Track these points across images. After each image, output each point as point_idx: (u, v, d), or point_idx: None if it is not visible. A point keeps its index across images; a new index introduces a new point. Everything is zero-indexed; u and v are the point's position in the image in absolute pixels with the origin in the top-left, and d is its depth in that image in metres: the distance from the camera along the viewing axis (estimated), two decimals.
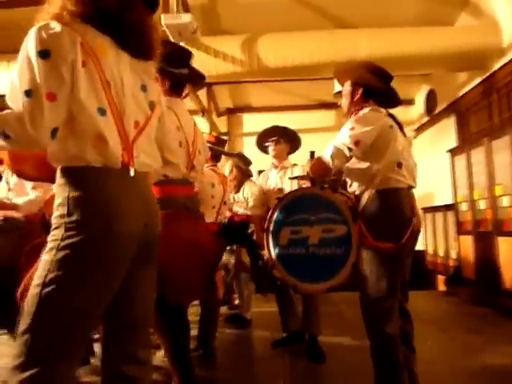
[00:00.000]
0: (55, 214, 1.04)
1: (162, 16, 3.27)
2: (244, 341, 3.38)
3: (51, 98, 1.00)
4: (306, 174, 1.96)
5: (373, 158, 1.79)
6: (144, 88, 1.23)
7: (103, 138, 1.06)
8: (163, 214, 1.62)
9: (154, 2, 1.28)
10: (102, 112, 1.07)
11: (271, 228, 1.88)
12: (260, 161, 6.23)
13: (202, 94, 6.10)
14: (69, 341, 1.01)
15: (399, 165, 1.82)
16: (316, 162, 1.84)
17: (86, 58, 1.05)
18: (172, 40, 3.51)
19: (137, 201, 1.13)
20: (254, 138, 3.48)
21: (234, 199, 3.83)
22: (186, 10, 3.84)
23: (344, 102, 1.99)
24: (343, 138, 1.77)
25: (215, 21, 5.05)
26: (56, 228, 1.03)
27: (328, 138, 1.92)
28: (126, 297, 1.14)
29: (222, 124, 7.23)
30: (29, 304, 1.00)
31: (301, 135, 3.35)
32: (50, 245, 1.03)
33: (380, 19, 4.77)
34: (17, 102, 0.99)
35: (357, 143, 1.74)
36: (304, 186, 2.41)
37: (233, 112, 7.32)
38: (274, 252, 1.89)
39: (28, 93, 0.98)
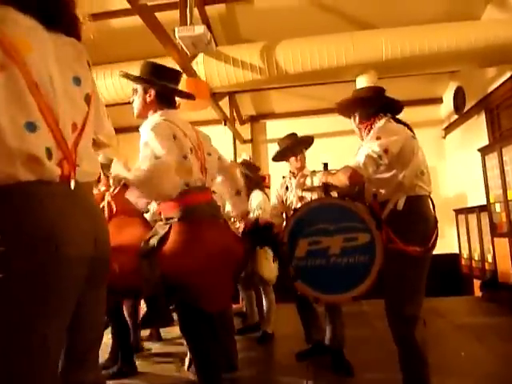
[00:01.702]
0: None
1: (176, 29, 3.32)
2: (266, 352, 3.33)
3: None
4: (320, 185, 1.98)
5: (399, 166, 1.87)
6: (77, 80, 1.05)
7: (36, 158, 0.89)
8: (189, 222, 1.72)
9: None
10: (32, 127, 0.90)
11: (288, 239, 1.88)
12: (285, 166, 6.24)
13: (225, 102, 6.15)
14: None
15: (422, 173, 1.90)
16: (352, 172, 1.84)
17: (5, 59, 0.87)
18: (188, 52, 3.56)
19: (83, 216, 0.98)
20: (277, 145, 3.43)
21: None
22: (206, 21, 3.89)
23: (356, 127, 2.12)
24: (374, 147, 1.82)
25: (234, 30, 5.09)
26: None
27: (348, 141, 1.97)
28: (77, 321, 1.01)
29: (245, 132, 7.25)
30: None
31: (322, 139, 3.30)
32: None
33: (401, 18, 4.66)
34: None
35: (386, 151, 1.80)
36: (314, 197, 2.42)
37: (256, 119, 7.33)
38: (291, 264, 1.88)
39: None
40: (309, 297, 1.92)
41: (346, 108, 2.11)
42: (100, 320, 1.13)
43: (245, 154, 7.08)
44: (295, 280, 1.86)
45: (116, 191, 1.81)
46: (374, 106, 2.00)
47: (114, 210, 1.98)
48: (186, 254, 1.67)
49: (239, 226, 3.90)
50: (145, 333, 3.66)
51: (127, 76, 1.91)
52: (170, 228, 1.71)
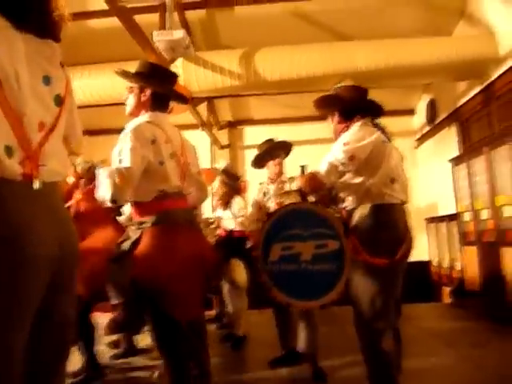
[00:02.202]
0: None
1: (154, 33, 3.31)
2: (240, 359, 3.32)
3: None
4: (297, 188, 1.96)
5: (367, 172, 1.80)
6: (47, 80, 1.03)
7: None
8: (162, 227, 1.69)
9: None
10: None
11: (261, 244, 1.85)
12: (262, 173, 6.26)
13: (203, 107, 6.14)
14: None
15: (392, 180, 1.83)
16: (310, 177, 1.83)
17: None
18: (166, 56, 3.55)
19: (48, 218, 0.96)
20: (255, 151, 3.46)
21: (219, 216, 3.85)
22: (186, 26, 3.88)
23: (332, 132, 2.08)
24: (338, 153, 1.77)
25: (214, 35, 5.10)
26: None
27: (327, 149, 1.94)
28: (42, 326, 0.98)
29: (223, 137, 7.25)
30: None
31: (300, 147, 3.33)
32: None
33: (377, 31, 4.80)
34: None
35: (351, 158, 1.75)
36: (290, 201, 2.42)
37: (234, 125, 7.35)
38: (264, 268, 1.85)
39: None
40: (281, 302, 1.88)
41: (325, 105, 2.05)
42: (68, 325, 1.09)
43: (223, 160, 7.11)
44: (268, 285, 1.84)
45: (86, 189, 1.77)
46: (354, 106, 1.94)
47: (83, 209, 1.93)
48: (158, 260, 1.64)
49: (218, 233, 3.93)
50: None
51: (125, 73, 1.87)
52: (142, 232, 1.68)
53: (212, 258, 1.92)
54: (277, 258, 1.81)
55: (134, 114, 1.88)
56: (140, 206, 1.76)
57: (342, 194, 1.93)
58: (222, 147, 7.19)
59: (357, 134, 1.84)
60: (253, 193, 5.37)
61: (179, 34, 3.16)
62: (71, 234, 1.06)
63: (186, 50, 3.26)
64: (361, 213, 1.81)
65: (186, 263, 1.72)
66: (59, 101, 1.06)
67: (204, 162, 7.22)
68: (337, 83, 4.53)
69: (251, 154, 6.92)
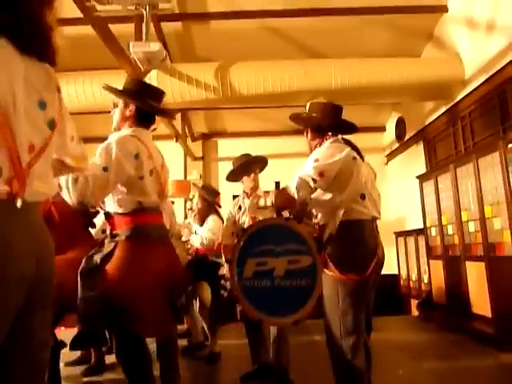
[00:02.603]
0: None
1: (131, 44, 3.30)
2: (211, 375, 3.27)
3: None
4: (271, 204, 1.97)
5: (336, 189, 1.82)
6: (42, 105, 1.07)
7: None
8: (136, 242, 1.69)
9: None
10: None
11: (236, 259, 1.84)
12: (235, 185, 6.23)
13: (177, 119, 6.11)
14: None
15: (362, 196, 1.86)
16: (281, 193, 1.85)
17: None
18: (141, 67, 3.53)
19: (27, 235, 0.99)
20: (228, 163, 3.47)
21: (194, 231, 3.85)
22: (161, 38, 3.88)
23: (307, 143, 2.11)
24: (308, 169, 1.79)
25: (189, 48, 5.12)
26: None
27: (301, 163, 1.98)
28: (18, 343, 0.99)
29: (196, 149, 7.23)
30: None
31: (274, 160, 3.36)
32: None
33: (350, 50, 4.96)
34: None
35: (321, 174, 1.77)
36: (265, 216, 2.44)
37: (208, 137, 7.35)
38: (238, 284, 1.84)
39: None
40: (253, 318, 1.86)
41: (299, 122, 2.11)
42: (43, 343, 1.07)
43: (196, 172, 7.08)
44: (241, 301, 1.82)
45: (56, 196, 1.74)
46: (326, 123, 1.97)
47: (56, 218, 1.89)
48: (128, 275, 1.63)
49: (189, 247, 3.92)
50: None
51: (110, 89, 1.89)
52: (115, 246, 1.66)
53: (179, 276, 1.93)
54: (251, 273, 1.80)
55: (119, 128, 1.91)
56: (116, 218, 1.76)
57: (313, 210, 1.95)
58: (196, 159, 7.16)
59: (327, 150, 1.87)
60: (226, 205, 5.37)
61: (156, 46, 3.16)
62: (48, 253, 1.07)
63: (162, 62, 3.26)
64: (331, 229, 1.82)
65: (155, 280, 1.72)
66: (52, 125, 1.09)
67: (177, 174, 7.19)
68: (310, 99, 4.69)
69: (224, 166, 6.97)
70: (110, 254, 1.65)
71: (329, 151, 1.85)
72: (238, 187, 3.65)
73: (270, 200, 3.00)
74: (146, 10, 3.20)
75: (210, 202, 3.83)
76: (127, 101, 1.87)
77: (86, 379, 3.09)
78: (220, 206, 4.04)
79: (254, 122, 6.88)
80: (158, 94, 2.00)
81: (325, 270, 1.80)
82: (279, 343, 2.64)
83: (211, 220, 3.75)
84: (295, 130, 7.58)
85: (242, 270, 1.80)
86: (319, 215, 1.92)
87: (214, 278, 3.57)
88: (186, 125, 6.50)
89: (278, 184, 1.93)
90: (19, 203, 0.96)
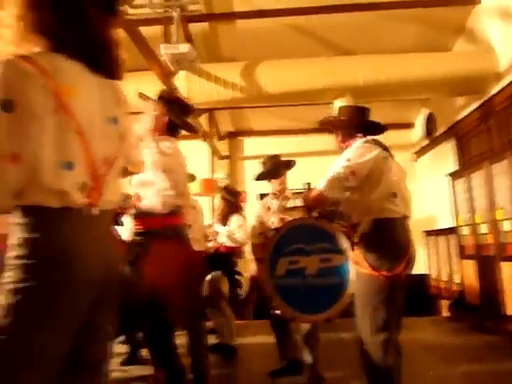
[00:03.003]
0: (11, 253, 0.96)
1: (162, 46, 3.36)
2: (236, 372, 3.30)
3: (15, 159, 0.91)
4: (302, 204, 2.01)
5: (368, 188, 1.85)
6: (114, 120, 1.14)
7: (67, 194, 0.98)
8: (169, 240, 1.81)
9: (110, 5, 1.14)
10: (69, 166, 0.99)
11: (268, 258, 1.88)
12: (261, 184, 6.25)
13: (204, 118, 6.18)
14: None
15: (394, 195, 1.88)
16: (313, 193, 1.88)
17: (55, 104, 0.96)
18: (172, 68, 3.60)
19: (98, 242, 1.06)
20: (254, 162, 3.51)
21: (217, 231, 3.92)
22: (189, 38, 3.94)
23: (337, 145, 2.15)
24: (340, 168, 1.83)
25: (216, 48, 5.17)
26: (12, 269, 0.95)
27: (327, 161, 2.03)
28: (86, 338, 1.07)
29: (222, 148, 7.29)
30: None
31: (300, 158, 3.38)
32: (5, 287, 0.95)
33: (377, 46, 4.88)
34: None
35: (353, 173, 1.81)
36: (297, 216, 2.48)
37: (234, 136, 7.39)
38: (270, 282, 1.88)
39: None
40: (287, 316, 1.91)
41: (329, 126, 2.17)
42: (109, 337, 1.18)
43: (222, 171, 7.14)
44: (274, 299, 1.86)
45: None
46: (354, 126, 2.03)
47: None
48: (164, 270, 1.73)
49: (212, 246, 4.01)
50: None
51: (147, 98, 2.02)
52: (150, 243, 1.75)
53: (198, 270, 2.07)
54: (283, 272, 1.85)
55: (148, 135, 2.00)
56: (150, 218, 1.85)
57: (345, 210, 1.99)
58: (222, 157, 7.22)
59: (358, 150, 1.92)
60: (251, 203, 5.40)
61: (186, 47, 3.22)
62: (116, 255, 1.15)
63: (191, 63, 3.31)
64: (363, 227, 1.85)
65: (183, 274, 1.84)
66: (122, 138, 1.17)
67: (203, 172, 7.26)
68: (336, 97, 4.66)
69: (250, 165, 7.00)
70: (147, 249, 1.73)
71: (360, 151, 1.89)
72: (263, 186, 3.68)
73: (300, 201, 3.05)
74: (175, 12, 3.26)
75: (231, 203, 3.92)
76: (162, 110, 1.97)
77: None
78: (241, 207, 4.12)
79: (280, 120, 6.88)
80: (188, 108, 2.15)
81: (357, 267, 1.83)
82: (311, 341, 2.64)
83: (235, 219, 3.82)
84: (320, 128, 7.59)
85: (275, 269, 1.85)
86: (351, 214, 1.94)
87: (229, 271, 3.65)
88: (212, 124, 6.57)
89: (309, 185, 1.96)
90: (96, 211, 1.04)
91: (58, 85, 0.98)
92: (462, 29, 5.04)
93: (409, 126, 7.19)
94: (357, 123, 2.03)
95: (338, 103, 4.67)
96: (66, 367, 1.04)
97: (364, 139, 2.01)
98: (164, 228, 1.83)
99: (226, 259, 3.74)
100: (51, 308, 0.95)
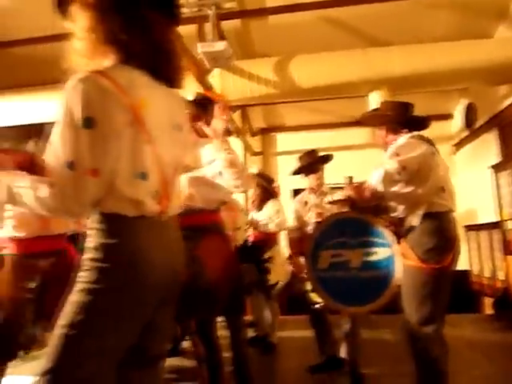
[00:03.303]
0: (87, 255, 1.03)
1: (199, 45, 3.41)
2: (274, 366, 3.32)
3: (95, 173, 0.95)
4: (345, 198, 2.02)
5: (417, 182, 1.88)
6: (180, 127, 1.18)
7: (143, 203, 1.04)
8: (215, 234, 1.89)
9: (171, 9, 1.16)
10: (144, 176, 1.04)
11: (310, 251, 1.92)
12: (294, 180, 6.22)
13: (237, 115, 6.22)
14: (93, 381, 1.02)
15: (442, 189, 1.92)
16: (364, 188, 1.90)
17: (130, 119, 1.00)
18: (208, 66, 3.65)
19: (167, 247, 1.12)
20: (287, 157, 3.50)
21: (253, 218, 3.93)
22: (222, 36, 3.97)
23: (380, 141, 2.18)
24: (391, 163, 1.85)
25: (249, 45, 5.17)
26: (87, 270, 1.02)
27: (361, 155, 2.03)
28: (148, 336, 1.13)
29: (255, 144, 7.32)
30: (54, 344, 0.99)
31: (333, 153, 3.37)
32: (79, 286, 1.02)
33: (414, 35, 4.73)
34: (56, 169, 0.95)
35: (404, 168, 1.83)
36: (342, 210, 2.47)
37: (266, 131, 7.41)
38: (313, 275, 1.92)
39: (70, 165, 0.94)
40: (330, 308, 1.94)
41: (373, 121, 2.19)
42: (169, 333, 1.29)
43: (255, 166, 7.17)
44: (318, 292, 1.89)
45: None
46: (399, 122, 2.05)
47: None
48: (216, 260, 1.81)
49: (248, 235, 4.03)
50: None
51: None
52: (200, 238, 1.82)
53: (235, 263, 2.11)
54: (326, 265, 1.89)
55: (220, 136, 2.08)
56: (200, 215, 1.92)
57: (392, 203, 1.98)
58: (255, 154, 7.26)
59: (406, 145, 1.95)
60: (284, 198, 5.38)
61: (221, 45, 3.26)
62: (182, 258, 1.19)
63: (227, 60, 3.35)
64: (411, 221, 1.87)
65: (226, 266, 1.91)
66: (186, 144, 1.22)
67: None
68: (371, 90, 4.57)
69: (283, 161, 6.99)
70: (198, 244, 1.80)
71: (409, 146, 1.92)
72: (296, 182, 3.68)
73: (340, 195, 3.03)
74: (210, 10, 3.29)
75: (266, 189, 3.91)
76: (203, 117, 2.03)
77: None
78: (276, 193, 4.11)
79: (313, 114, 6.83)
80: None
81: (404, 260, 1.85)
82: (352, 338, 2.62)
83: (271, 205, 3.83)
84: (354, 121, 7.46)
85: (317, 262, 1.88)
86: (399, 208, 1.95)
87: (258, 260, 3.67)
88: (245, 120, 6.61)
89: (350, 178, 1.98)
90: (164, 219, 1.10)
91: (133, 99, 1.02)
92: (504, 14, 4.80)
93: (447, 117, 6.96)
94: (402, 118, 2.05)
95: (374, 96, 4.60)
96: (131, 363, 1.11)
97: (410, 134, 2.02)
98: (212, 223, 1.90)
99: (257, 249, 3.74)
100: (120, 309, 1.01)
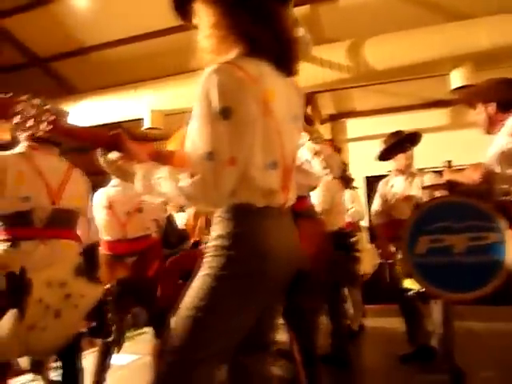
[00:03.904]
0: (214, 243, 1.07)
1: None
2: (365, 354, 3.30)
3: (232, 162, 0.98)
4: (443, 182, 1.94)
5: None
6: (297, 118, 1.19)
7: (273, 191, 1.08)
8: (307, 223, 1.85)
9: None
10: (274, 165, 1.08)
11: (407, 236, 1.86)
12: (366, 167, 6.05)
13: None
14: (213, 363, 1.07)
15: None
16: (478, 170, 1.82)
17: (262, 110, 1.03)
18: None
19: (287, 237, 1.15)
20: (358, 143, 3.37)
21: None
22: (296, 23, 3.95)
23: (482, 123, 2.03)
24: (508, 144, 1.74)
25: (319, 30, 5.09)
26: (214, 256, 1.05)
27: (439, 138, 1.92)
28: (263, 322, 1.19)
29: (324, 131, 7.20)
30: (179, 325, 1.05)
31: None
32: (205, 271, 1.06)
33: (499, 5, 4.35)
34: (196, 160, 0.99)
35: None
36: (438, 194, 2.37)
37: (336, 118, 7.26)
38: (410, 261, 1.87)
39: (209, 156, 0.97)
40: (430, 295, 1.87)
41: (478, 96, 2.03)
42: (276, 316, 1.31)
43: None
44: (415, 277, 1.84)
45: None
46: (509, 100, 1.91)
47: None
48: (312, 246, 1.87)
49: None
50: None
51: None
52: (298, 221, 1.86)
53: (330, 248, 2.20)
54: (424, 250, 1.82)
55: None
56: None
57: (507, 186, 1.86)
58: (325, 141, 7.14)
59: None
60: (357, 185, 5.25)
61: (300, 32, 3.22)
62: (299, 248, 1.22)
63: (306, 46, 3.32)
64: None
65: (322, 251, 1.96)
66: (300, 134, 1.26)
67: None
68: (453, 67, 4.29)
69: (354, 147, 6.82)
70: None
71: None
72: (369, 169, 3.56)
73: (434, 179, 2.91)
74: None
75: (341, 178, 3.78)
76: None
77: None
78: (352, 181, 4.02)
79: (385, 98, 6.56)
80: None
81: None
82: (446, 329, 2.53)
83: (348, 194, 3.77)
84: (432, 102, 7.04)
85: (414, 247, 1.82)
86: None
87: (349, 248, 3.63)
88: (314, 108, 6.52)
89: (449, 162, 1.89)
90: (285, 209, 1.14)
91: (264, 90, 1.05)
92: None
93: None
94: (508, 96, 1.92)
95: (455, 74, 4.33)
96: (246, 348, 1.16)
97: None
98: (304, 209, 1.92)
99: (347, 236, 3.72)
100: (244, 293, 1.05)
